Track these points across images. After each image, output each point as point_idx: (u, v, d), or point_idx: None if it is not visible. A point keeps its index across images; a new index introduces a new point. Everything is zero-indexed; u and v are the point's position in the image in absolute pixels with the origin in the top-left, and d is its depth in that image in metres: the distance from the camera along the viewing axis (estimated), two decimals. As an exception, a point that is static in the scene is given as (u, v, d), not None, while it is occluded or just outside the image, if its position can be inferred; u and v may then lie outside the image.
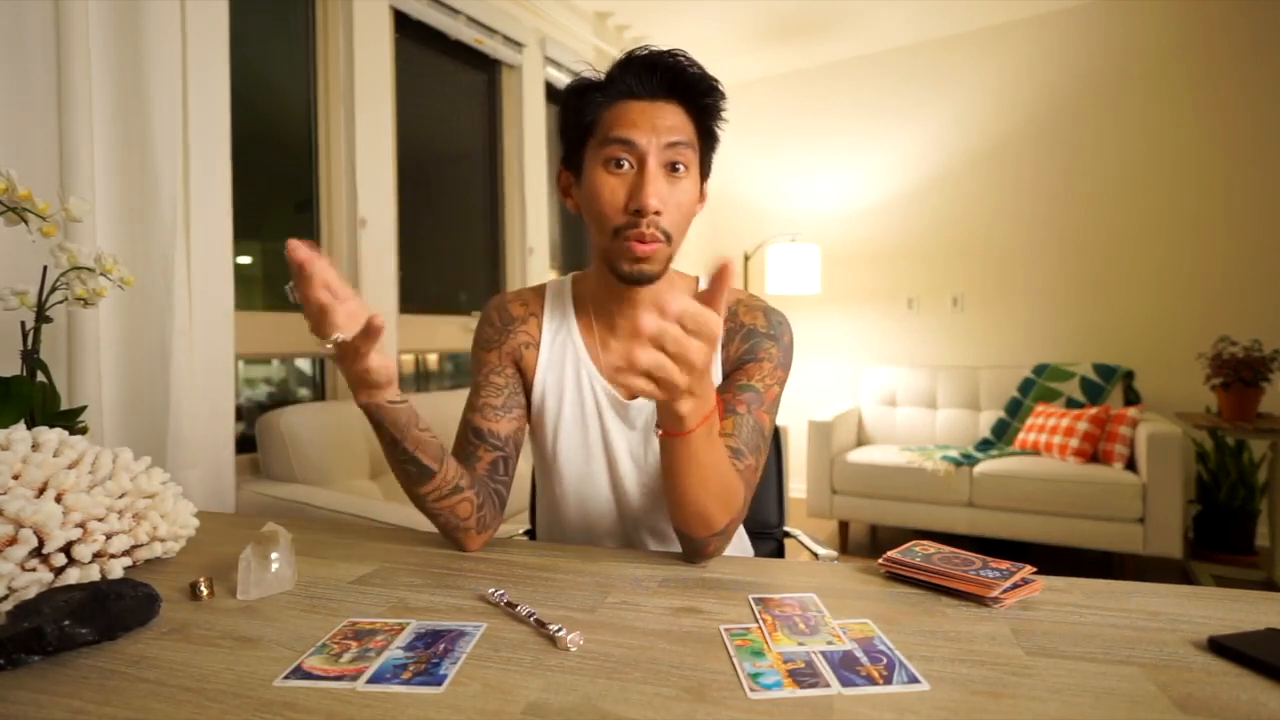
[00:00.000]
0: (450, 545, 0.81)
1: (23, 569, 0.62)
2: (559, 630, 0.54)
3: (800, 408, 3.65)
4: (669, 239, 0.78)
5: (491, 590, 0.64)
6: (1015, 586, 0.62)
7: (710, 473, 0.69)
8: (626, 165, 0.76)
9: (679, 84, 0.77)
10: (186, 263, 1.47)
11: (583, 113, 0.79)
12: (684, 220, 0.79)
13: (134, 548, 0.73)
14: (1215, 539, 2.70)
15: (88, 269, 0.95)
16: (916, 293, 3.63)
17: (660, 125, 0.75)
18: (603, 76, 0.79)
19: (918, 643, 0.53)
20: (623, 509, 0.89)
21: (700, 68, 0.78)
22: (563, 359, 0.88)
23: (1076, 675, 0.48)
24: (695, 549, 0.74)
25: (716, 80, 0.79)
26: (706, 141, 0.82)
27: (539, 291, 0.92)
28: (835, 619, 0.58)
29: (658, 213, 0.75)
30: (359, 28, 2.12)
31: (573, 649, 0.53)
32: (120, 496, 0.72)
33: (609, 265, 0.80)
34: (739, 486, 0.74)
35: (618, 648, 0.53)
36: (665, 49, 0.77)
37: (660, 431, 0.66)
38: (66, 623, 0.52)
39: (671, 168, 0.77)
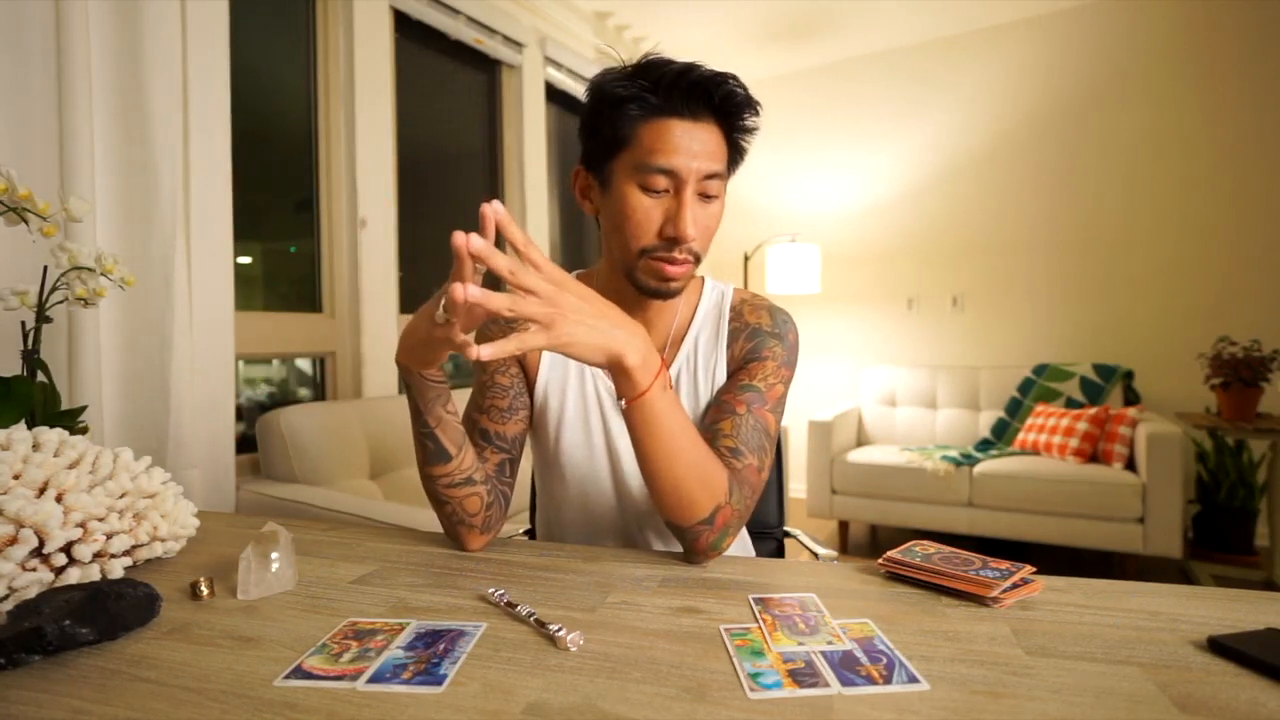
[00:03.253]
0: (451, 543, 0.81)
1: (23, 569, 0.62)
2: (559, 630, 0.54)
3: (800, 408, 3.66)
4: (698, 260, 0.79)
5: (491, 590, 0.64)
6: (1015, 586, 0.62)
7: (679, 442, 0.69)
8: (662, 190, 0.75)
9: (725, 108, 0.76)
10: (186, 263, 1.47)
11: (617, 123, 0.76)
12: (711, 239, 0.80)
13: (134, 548, 0.73)
14: (1215, 539, 2.71)
15: (88, 269, 0.95)
16: (916, 293, 3.63)
17: (700, 152, 0.75)
18: (631, 71, 0.76)
19: (918, 643, 0.53)
20: (626, 508, 0.89)
21: (746, 90, 0.77)
22: (566, 358, 0.88)
23: (1076, 675, 0.48)
24: (689, 542, 0.74)
25: (757, 102, 0.78)
26: (736, 159, 0.82)
27: None
28: (835, 619, 0.58)
29: (693, 239, 0.76)
30: (359, 28, 2.12)
31: (573, 649, 0.53)
32: (120, 496, 0.72)
33: (629, 277, 0.80)
34: (719, 469, 0.73)
35: (618, 648, 0.53)
36: (715, 70, 0.75)
37: (623, 403, 0.67)
38: (67, 622, 0.52)
39: (704, 195, 0.77)
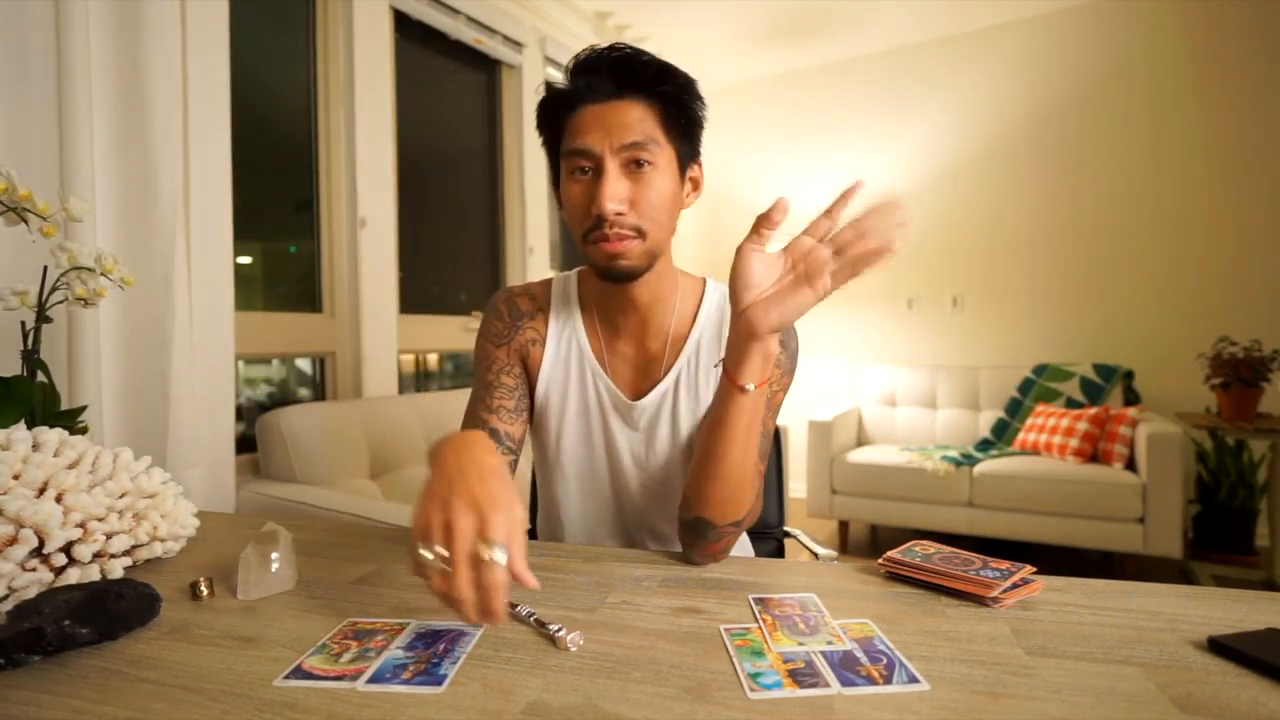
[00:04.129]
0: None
1: (23, 569, 0.62)
2: (559, 630, 0.54)
3: (800, 408, 3.65)
4: (642, 234, 0.76)
5: None
6: (1015, 586, 0.62)
7: (755, 441, 0.71)
8: (588, 171, 0.76)
9: (627, 79, 0.76)
10: (186, 263, 1.47)
11: (550, 126, 0.80)
12: (660, 213, 0.77)
13: (134, 548, 0.73)
14: (1215, 539, 2.70)
15: (88, 269, 0.95)
16: (916, 293, 3.63)
17: (614, 126, 0.74)
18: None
19: (918, 643, 0.53)
20: (624, 509, 0.89)
21: (650, 56, 0.76)
22: (568, 357, 0.87)
23: (1076, 675, 0.48)
24: (709, 542, 0.73)
25: (669, 65, 0.77)
26: (681, 129, 0.79)
27: (545, 286, 0.92)
28: (835, 619, 0.58)
29: (620, 213, 0.75)
30: (359, 28, 2.12)
31: (572, 649, 0.53)
32: (120, 496, 0.72)
33: (593, 269, 0.81)
34: (759, 477, 0.76)
35: (618, 648, 0.53)
36: (608, 45, 0.76)
37: (751, 387, 0.66)
38: (66, 623, 0.52)
39: (635, 164, 0.75)
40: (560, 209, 0.85)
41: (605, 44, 0.77)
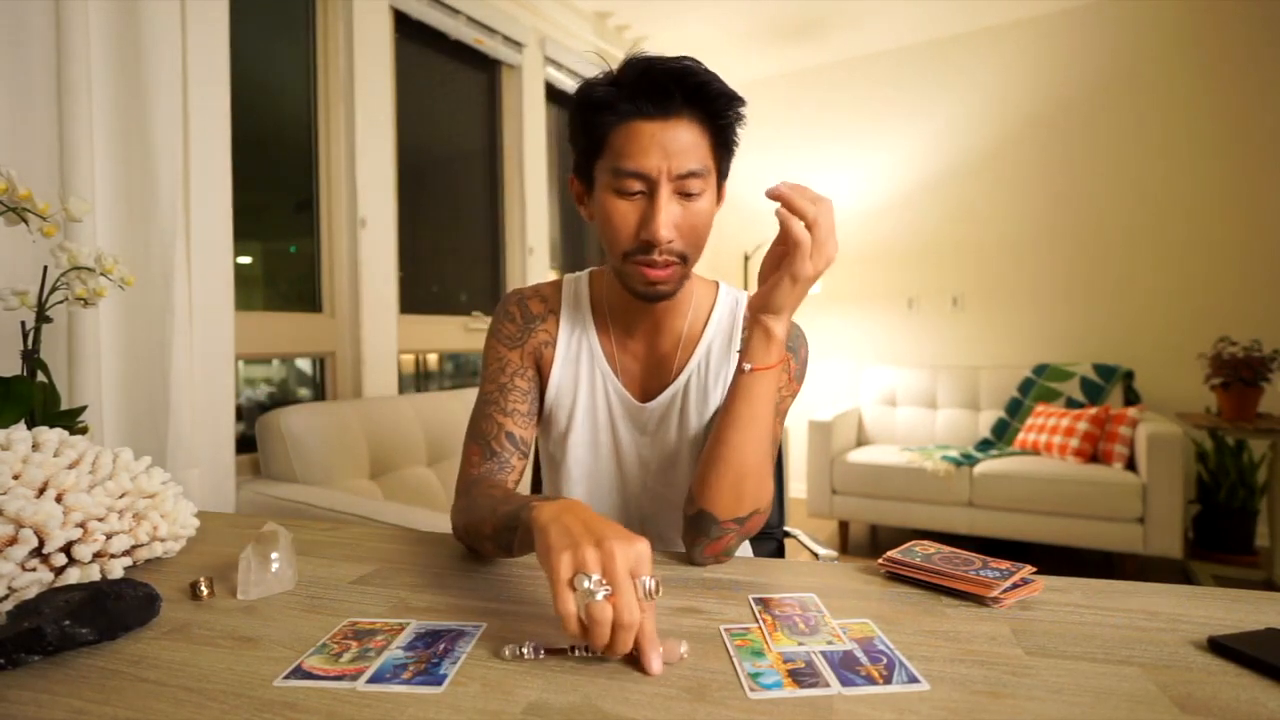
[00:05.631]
0: (454, 544, 0.81)
1: (23, 569, 0.62)
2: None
3: (801, 408, 3.66)
4: (685, 260, 0.76)
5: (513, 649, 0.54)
6: (1015, 586, 0.62)
7: (763, 431, 0.71)
8: (637, 192, 0.74)
9: (694, 100, 0.73)
10: (186, 263, 1.47)
11: (592, 129, 0.75)
12: (702, 239, 0.77)
13: (134, 548, 0.73)
14: (1215, 539, 2.71)
15: (88, 269, 0.95)
16: (916, 293, 3.63)
17: (672, 150, 0.71)
18: (613, 74, 0.74)
19: (918, 643, 0.53)
20: (629, 511, 0.89)
21: (719, 81, 0.73)
22: (578, 358, 0.87)
23: (1076, 675, 0.48)
24: (711, 539, 0.73)
25: (735, 93, 0.74)
26: (724, 151, 0.78)
27: (555, 288, 0.91)
28: (835, 619, 0.58)
29: (670, 241, 0.73)
30: (359, 28, 2.12)
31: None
32: (120, 496, 0.72)
33: (622, 283, 0.79)
34: (771, 478, 0.76)
35: (618, 648, 0.53)
36: (678, 61, 0.72)
37: (749, 368, 0.69)
38: (66, 622, 0.52)
39: (685, 194, 0.74)
40: (580, 209, 0.84)
41: (631, 50, 0.74)
